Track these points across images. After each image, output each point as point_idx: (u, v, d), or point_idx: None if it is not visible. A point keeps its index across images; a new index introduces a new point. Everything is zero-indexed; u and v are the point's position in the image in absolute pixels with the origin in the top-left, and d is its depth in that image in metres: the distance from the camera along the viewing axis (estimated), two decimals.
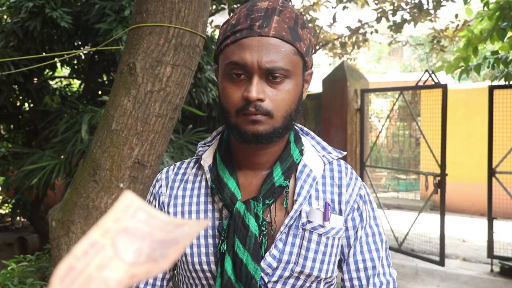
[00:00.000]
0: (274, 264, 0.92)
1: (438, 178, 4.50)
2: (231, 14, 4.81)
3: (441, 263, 4.59)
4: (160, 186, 1.05)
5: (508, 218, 6.48)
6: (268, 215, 0.95)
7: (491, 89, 4.71)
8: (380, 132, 5.94)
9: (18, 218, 6.21)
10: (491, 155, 4.69)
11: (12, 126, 5.55)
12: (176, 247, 0.40)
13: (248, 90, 0.87)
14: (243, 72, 0.88)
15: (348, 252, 1.00)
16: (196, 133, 4.40)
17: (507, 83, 4.45)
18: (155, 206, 1.04)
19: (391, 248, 5.15)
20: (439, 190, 4.48)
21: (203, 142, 1.07)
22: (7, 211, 6.42)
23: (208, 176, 0.99)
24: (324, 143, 1.06)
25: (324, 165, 1.02)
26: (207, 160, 1.02)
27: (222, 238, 0.93)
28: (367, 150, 5.42)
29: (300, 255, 0.94)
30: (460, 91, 7.65)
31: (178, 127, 4.38)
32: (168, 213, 1.01)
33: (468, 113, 7.58)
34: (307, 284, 0.95)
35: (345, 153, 1.05)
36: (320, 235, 0.95)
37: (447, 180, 4.56)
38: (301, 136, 1.05)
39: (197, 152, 1.07)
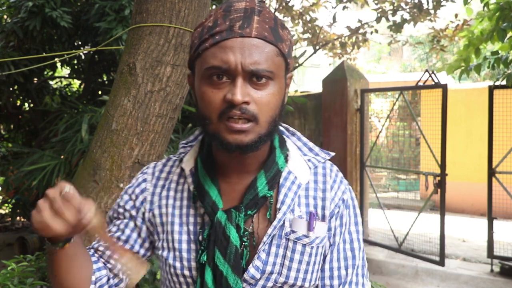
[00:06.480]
0: (258, 276, 0.89)
1: (438, 178, 4.49)
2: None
3: (441, 263, 4.59)
4: (145, 181, 1.01)
5: (508, 218, 6.48)
6: (251, 226, 0.91)
7: (491, 89, 4.71)
8: (380, 132, 5.94)
9: (18, 218, 6.20)
10: (491, 155, 4.69)
11: (12, 126, 5.56)
12: None
13: (233, 93, 0.82)
14: (225, 74, 0.83)
15: (325, 259, 0.97)
16: None
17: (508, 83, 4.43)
18: (134, 198, 1.00)
19: (391, 248, 5.15)
20: (439, 190, 4.48)
21: (185, 142, 1.03)
22: (7, 211, 6.42)
23: (190, 180, 0.96)
24: (310, 144, 1.02)
25: (310, 169, 0.97)
26: (188, 163, 0.98)
27: (202, 248, 0.89)
28: (367, 150, 5.42)
29: (283, 265, 0.91)
30: (460, 91, 7.64)
31: (178, 127, 4.38)
32: (153, 214, 0.98)
33: (468, 113, 7.57)
34: None
35: (333, 154, 1.00)
36: (304, 245, 0.91)
37: (447, 180, 4.56)
38: (286, 139, 1.00)
39: (178, 152, 1.02)
